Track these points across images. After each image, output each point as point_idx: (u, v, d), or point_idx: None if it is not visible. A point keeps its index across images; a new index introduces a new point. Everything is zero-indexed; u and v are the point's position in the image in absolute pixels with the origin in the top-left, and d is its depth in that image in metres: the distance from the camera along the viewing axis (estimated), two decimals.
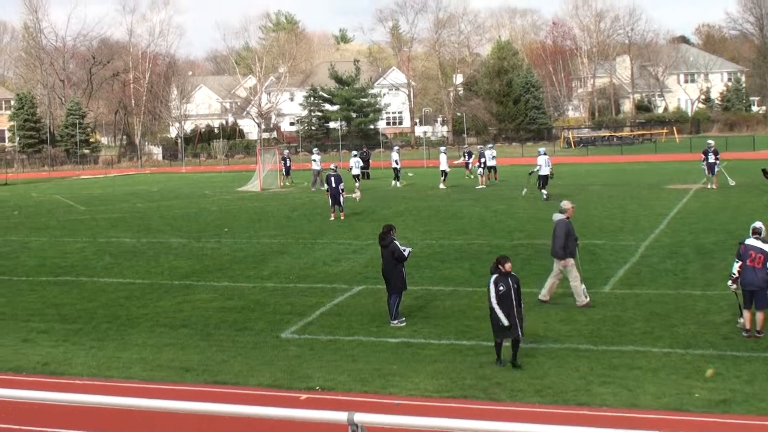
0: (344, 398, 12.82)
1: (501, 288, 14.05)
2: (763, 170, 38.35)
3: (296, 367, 14.36)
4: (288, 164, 53.74)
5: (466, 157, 53.15)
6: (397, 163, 49.77)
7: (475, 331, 16.12)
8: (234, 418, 10.98)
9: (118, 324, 17.94)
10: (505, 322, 13.88)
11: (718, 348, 14.46)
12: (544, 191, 37.92)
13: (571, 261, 17.83)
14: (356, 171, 46.91)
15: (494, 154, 48.39)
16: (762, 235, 15.15)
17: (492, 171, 47.94)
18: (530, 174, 40.49)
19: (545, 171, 38.65)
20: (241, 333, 16.78)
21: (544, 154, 39.33)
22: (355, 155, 49.08)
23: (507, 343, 14.14)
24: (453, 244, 26.36)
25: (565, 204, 18.63)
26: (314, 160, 50.27)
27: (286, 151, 58.32)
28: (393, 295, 16.95)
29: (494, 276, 14.24)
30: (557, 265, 18.01)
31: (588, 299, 17.72)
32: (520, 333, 14.04)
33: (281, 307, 18.82)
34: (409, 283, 17.64)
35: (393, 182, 49.14)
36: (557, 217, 18.26)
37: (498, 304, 14.00)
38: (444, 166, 46.87)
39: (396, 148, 53.72)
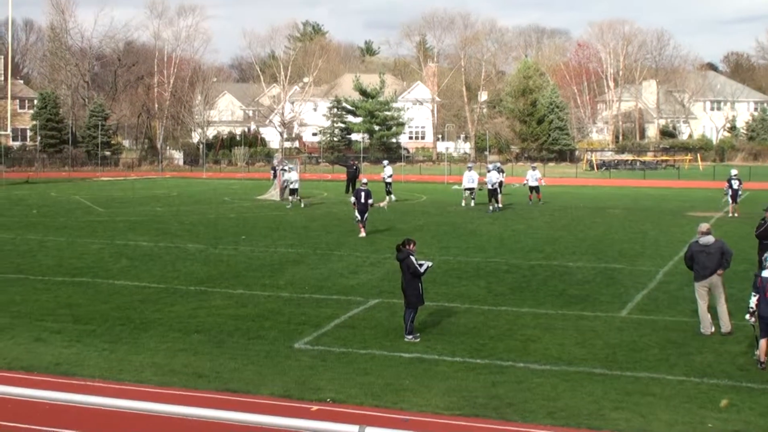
0: (355, 411, 12.73)
1: None
2: None
3: (308, 378, 14.29)
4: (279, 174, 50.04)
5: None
6: (389, 178, 48.84)
7: (489, 349, 16.02)
8: (244, 427, 10.93)
9: (132, 327, 17.93)
10: None
11: (733, 378, 14.29)
12: (495, 205, 41.75)
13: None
14: (296, 185, 44.75)
15: (537, 175, 46.79)
16: None
17: (534, 191, 46.32)
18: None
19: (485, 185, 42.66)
20: (254, 341, 16.73)
21: (494, 169, 43.15)
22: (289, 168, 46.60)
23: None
24: (470, 262, 26.27)
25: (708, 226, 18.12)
26: (285, 170, 46.20)
27: (275, 161, 55.57)
28: (408, 310, 16.87)
29: None
30: (718, 282, 17.48)
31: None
32: None
33: (295, 317, 18.77)
34: (425, 299, 17.53)
35: (387, 197, 46.82)
36: (711, 239, 17.62)
37: None
38: (468, 183, 44.26)
39: (386, 162, 52.69)
